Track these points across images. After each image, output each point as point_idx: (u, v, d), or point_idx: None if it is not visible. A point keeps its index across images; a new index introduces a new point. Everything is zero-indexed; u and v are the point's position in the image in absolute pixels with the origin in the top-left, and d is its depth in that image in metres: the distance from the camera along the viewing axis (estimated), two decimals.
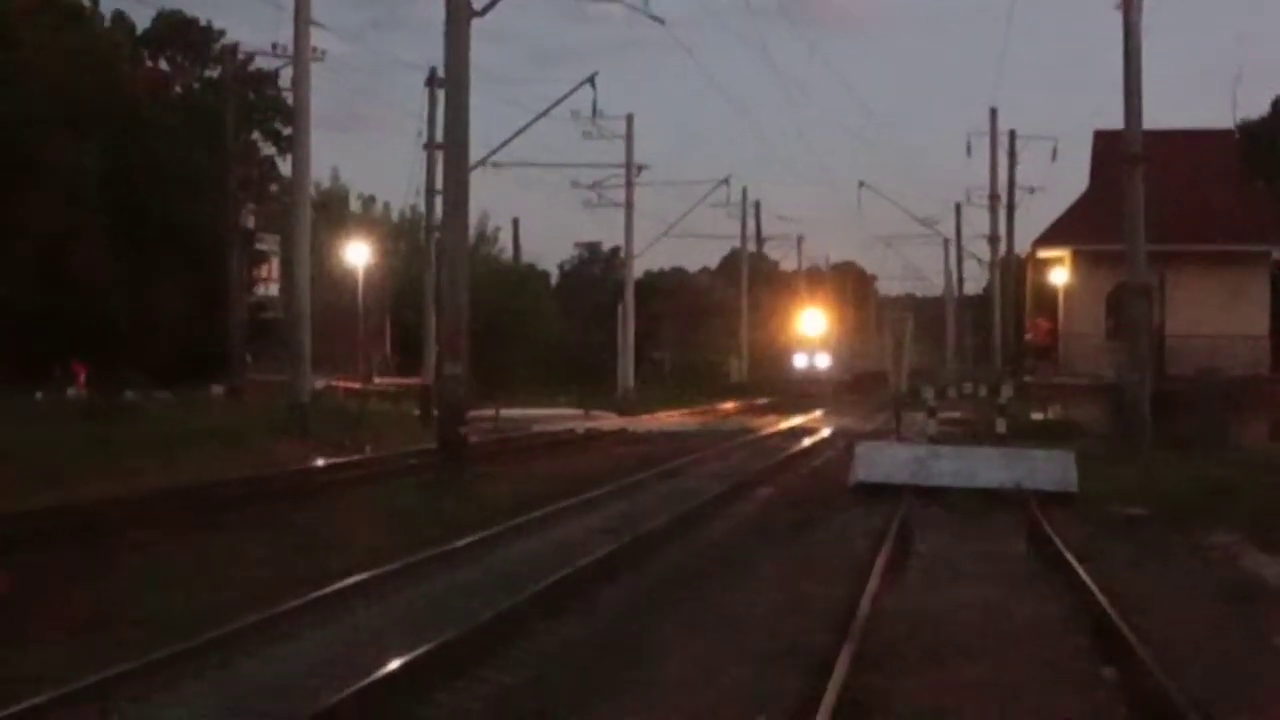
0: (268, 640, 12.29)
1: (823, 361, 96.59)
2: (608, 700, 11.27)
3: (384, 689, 10.24)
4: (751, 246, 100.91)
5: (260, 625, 12.51)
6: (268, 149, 60.53)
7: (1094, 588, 14.87)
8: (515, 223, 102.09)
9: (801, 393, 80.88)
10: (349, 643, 12.43)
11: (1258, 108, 77.11)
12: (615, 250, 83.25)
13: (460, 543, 18.62)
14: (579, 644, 13.16)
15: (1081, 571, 16.09)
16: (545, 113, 52.74)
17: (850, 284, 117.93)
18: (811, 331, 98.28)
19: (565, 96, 53.14)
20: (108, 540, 17.96)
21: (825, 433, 49.33)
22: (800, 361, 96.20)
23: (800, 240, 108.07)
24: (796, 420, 58.76)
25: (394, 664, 10.77)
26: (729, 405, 73.07)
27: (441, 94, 37.40)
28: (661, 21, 38.41)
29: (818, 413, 65.81)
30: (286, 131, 53.73)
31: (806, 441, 44.43)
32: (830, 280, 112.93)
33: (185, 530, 19.55)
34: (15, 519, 19.46)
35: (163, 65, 63.04)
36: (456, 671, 11.41)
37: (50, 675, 10.36)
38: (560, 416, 56.11)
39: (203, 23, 63.70)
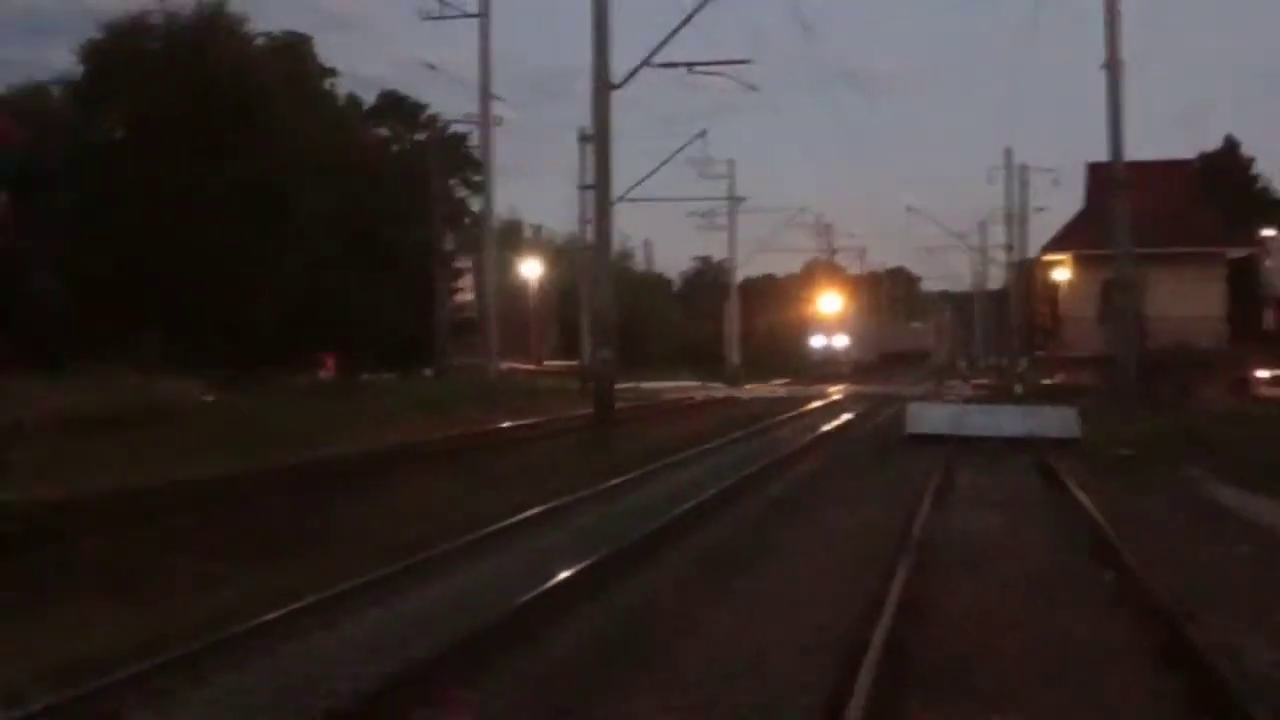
0: (469, 557, 12.40)
1: (840, 342, 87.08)
2: (749, 574, 11.76)
3: (568, 585, 10.41)
4: (824, 256, 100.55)
5: (464, 546, 12.62)
6: (462, 191, 60.82)
7: (1093, 510, 14.85)
8: (646, 243, 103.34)
9: (818, 373, 73.98)
10: (543, 550, 12.58)
11: (1213, 142, 75.94)
12: (721, 262, 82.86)
13: (615, 481, 18.67)
14: (723, 544, 13.55)
15: (1083, 498, 16.06)
16: (668, 160, 52.71)
17: (889, 281, 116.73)
18: (828, 313, 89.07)
19: (683, 148, 53.19)
20: (348, 484, 18.23)
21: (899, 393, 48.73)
22: (817, 342, 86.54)
23: (863, 251, 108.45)
24: (886, 386, 57.73)
25: (568, 572, 10.88)
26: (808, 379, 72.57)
27: (590, 148, 37.55)
28: (755, 88, 38.04)
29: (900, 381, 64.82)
30: (476, 178, 53.95)
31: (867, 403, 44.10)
32: (870, 278, 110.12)
33: (406, 475, 19.72)
34: (280, 470, 19.71)
35: (384, 131, 63.57)
36: (629, 570, 11.58)
37: (321, 581, 10.58)
38: (683, 388, 56.03)
39: (412, 99, 64.13)
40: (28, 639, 8.74)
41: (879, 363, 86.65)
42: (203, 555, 12.13)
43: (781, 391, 57.39)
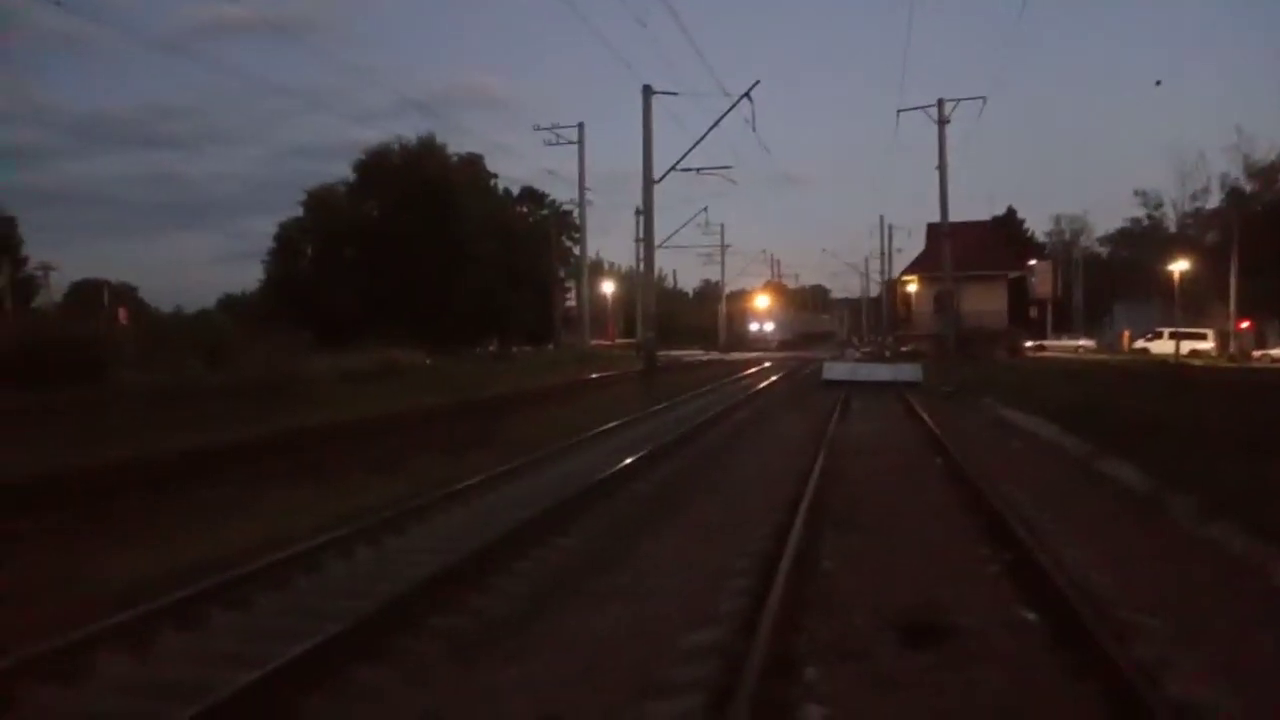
0: (573, 451, 12.38)
1: (769, 327, 79.77)
2: (736, 451, 11.72)
3: (631, 466, 10.45)
4: (774, 278, 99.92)
5: (566, 447, 12.51)
6: (568, 243, 60.64)
7: (930, 423, 14.86)
8: (674, 271, 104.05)
9: (751, 348, 67.59)
10: (617, 446, 12.44)
11: (1001, 209, 75.73)
12: (717, 282, 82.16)
13: (658, 406, 18.74)
14: (723, 438, 13.27)
15: (925, 416, 16.07)
16: (686, 223, 53.42)
17: (811, 292, 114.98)
18: (760, 308, 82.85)
19: (695, 216, 54.55)
20: (501, 412, 18.02)
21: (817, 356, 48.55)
22: (754, 327, 79.55)
23: (797, 275, 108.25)
24: (807, 354, 56.79)
25: (631, 458, 10.96)
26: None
27: (640, 218, 37.59)
28: (735, 182, 38.11)
29: (818, 350, 64.20)
30: (575, 235, 53.94)
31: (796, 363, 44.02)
32: (799, 290, 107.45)
33: (535, 406, 19.64)
34: (464, 403, 19.58)
35: (524, 209, 63.54)
36: (674, 451, 11.62)
37: (490, 465, 10.74)
38: (694, 354, 55.57)
39: (540, 190, 64.02)
40: (326, 500, 8.87)
41: (800, 340, 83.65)
42: (425, 451, 12.22)
43: (748, 355, 56.91)
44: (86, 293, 60.59)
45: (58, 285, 56.88)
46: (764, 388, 25.43)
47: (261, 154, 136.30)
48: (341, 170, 58.24)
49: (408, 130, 70.68)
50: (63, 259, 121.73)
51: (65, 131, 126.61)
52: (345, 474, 10.47)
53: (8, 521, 7.82)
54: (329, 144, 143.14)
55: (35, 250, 55.28)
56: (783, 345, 71.26)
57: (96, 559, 6.73)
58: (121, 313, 41.22)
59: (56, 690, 4.32)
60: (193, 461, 11.02)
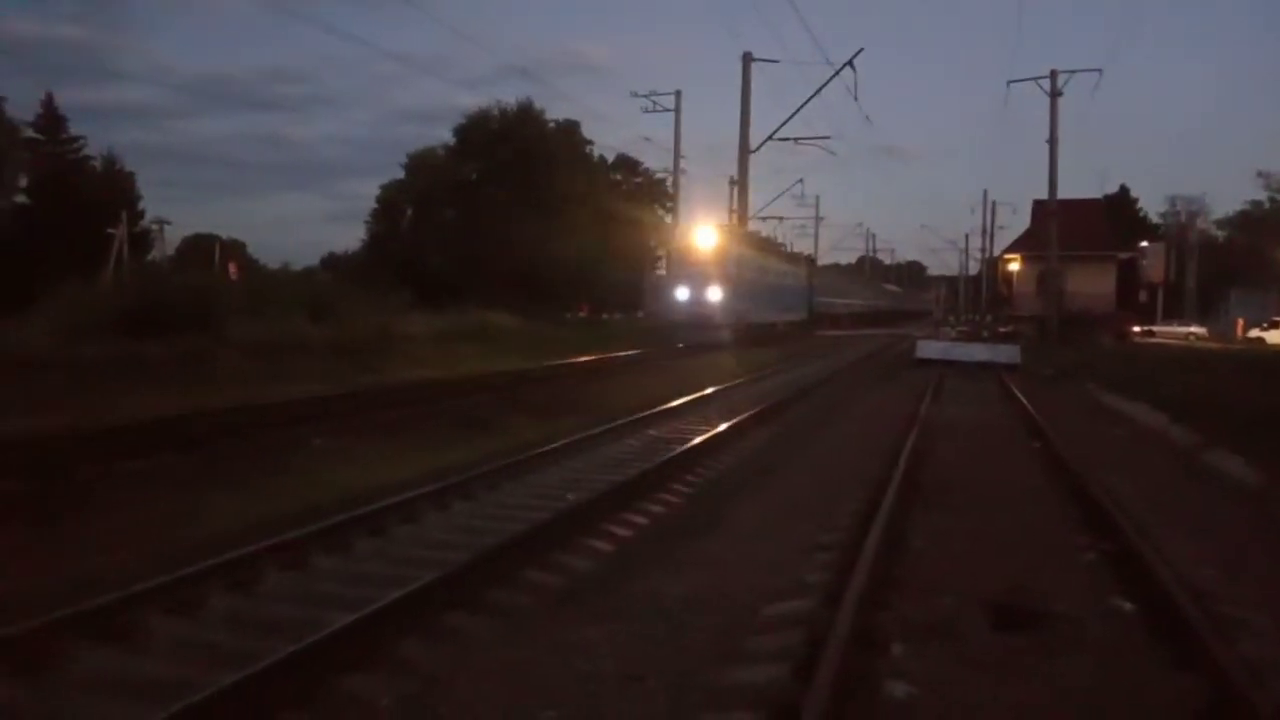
0: (662, 419, 12.36)
1: (714, 295, 28.78)
2: (825, 426, 11.70)
3: (721, 436, 10.51)
4: (869, 253, 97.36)
5: (659, 413, 12.51)
6: (660, 212, 60.47)
7: (1028, 405, 14.50)
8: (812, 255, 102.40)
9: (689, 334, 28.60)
10: (704, 416, 12.44)
11: (1114, 187, 72.81)
12: (809, 256, 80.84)
13: (747, 377, 18.42)
14: (813, 412, 13.21)
15: (1022, 398, 15.66)
16: (781, 194, 52.17)
17: (908, 270, 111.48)
18: (695, 256, 29.55)
19: (790, 187, 52.56)
20: (588, 378, 18.10)
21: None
22: (679, 295, 29.20)
23: (893, 250, 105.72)
24: (891, 331, 55.35)
25: (725, 424, 10.97)
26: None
27: (735, 188, 37.13)
28: (834, 153, 37.04)
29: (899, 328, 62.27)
30: (669, 204, 53.73)
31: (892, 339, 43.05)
32: (898, 267, 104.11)
33: (624, 372, 19.72)
34: (553, 367, 19.80)
35: (618, 177, 63.36)
36: (764, 421, 11.52)
37: (583, 427, 10.89)
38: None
39: (634, 158, 63.73)
40: (421, 458, 9.01)
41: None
42: (516, 412, 12.48)
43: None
44: (198, 248, 63.24)
45: (171, 240, 59.44)
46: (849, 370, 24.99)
47: (368, 117, 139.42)
48: (444, 135, 59.18)
49: (509, 95, 71.08)
50: (176, 215, 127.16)
51: (183, 92, 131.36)
52: (440, 430, 10.73)
53: (130, 460, 8.29)
54: (433, 108, 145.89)
55: (151, 206, 58.09)
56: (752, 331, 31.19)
57: (212, 500, 7.10)
58: (232, 268, 42.88)
59: (238, 595, 4.59)
60: (294, 410, 11.47)
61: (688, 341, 26.77)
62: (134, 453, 8.56)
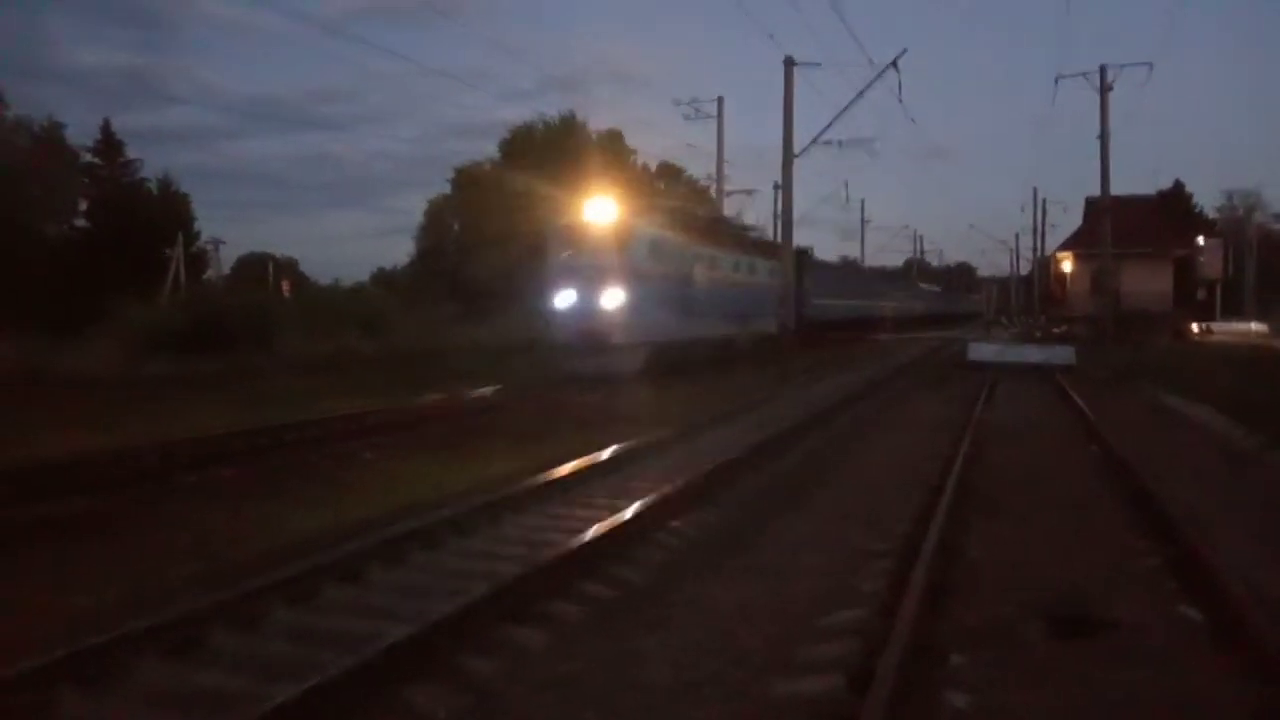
0: (716, 425, 12.38)
1: (613, 300, 17.67)
2: (880, 428, 11.46)
3: (774, 440, 10.46)
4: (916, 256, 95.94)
5: (709, 419, 12.56)
6: None
7: (1085, 408, 14.23)
8: (811, 248, 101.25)
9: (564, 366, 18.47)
10: (755, 424, 12.31)
11: (1167, 183, 71.49)
12: (854, 259, 79.71)
13: (799, 382, 18.47)
14: (864, 414, 13.10)
15: (1078, 401, 15.36)
16: (827, 197, 50.72)
17: (956, 271, 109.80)
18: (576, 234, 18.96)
19: (832, 193, 50.86)
20: (637, 386, 17.44)
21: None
22: (560, 301, 17.96)
23: (941, 253, 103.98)
24: (935, 333, 54.64)
25: (779, 429, 10.89)
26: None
27: (780, 192, 36.88)
28: (878, 155, 36.55)
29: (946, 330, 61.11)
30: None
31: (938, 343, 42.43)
32: (944, 269, 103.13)
33: (662, 383, 19.55)
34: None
35: (662, 185, 63.35)
36: (819, 424, 11.42)
37: (634, 436, 10.86)
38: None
39: (678, 165, 63.53)
40: (471, 469, 9.20)
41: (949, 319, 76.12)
42: (565, 423, 12.54)
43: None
44: (252, 266, 64.42)
45: (226, 259, 60.67)
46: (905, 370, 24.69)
47: (413, 134, 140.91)
48: (489, 148, 59.79)
49: (551, 108, 71.57)
50: (229, 235, 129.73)
51: (233, 114, 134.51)
52: (491, 443, 10.83)
53: (191, 474, 8.51)
54: (478, 123, 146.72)
55: (205, 226, 59.12)
56: (684, 353, 20.93)
57: (275, 513, 7.27)
58: (285, 285, 43.67)
59: (296, 608, 4.71)
60: (349, 425, 11.65)
61: (580, 372, 17.40)
62: (193, 466, 8.79)
